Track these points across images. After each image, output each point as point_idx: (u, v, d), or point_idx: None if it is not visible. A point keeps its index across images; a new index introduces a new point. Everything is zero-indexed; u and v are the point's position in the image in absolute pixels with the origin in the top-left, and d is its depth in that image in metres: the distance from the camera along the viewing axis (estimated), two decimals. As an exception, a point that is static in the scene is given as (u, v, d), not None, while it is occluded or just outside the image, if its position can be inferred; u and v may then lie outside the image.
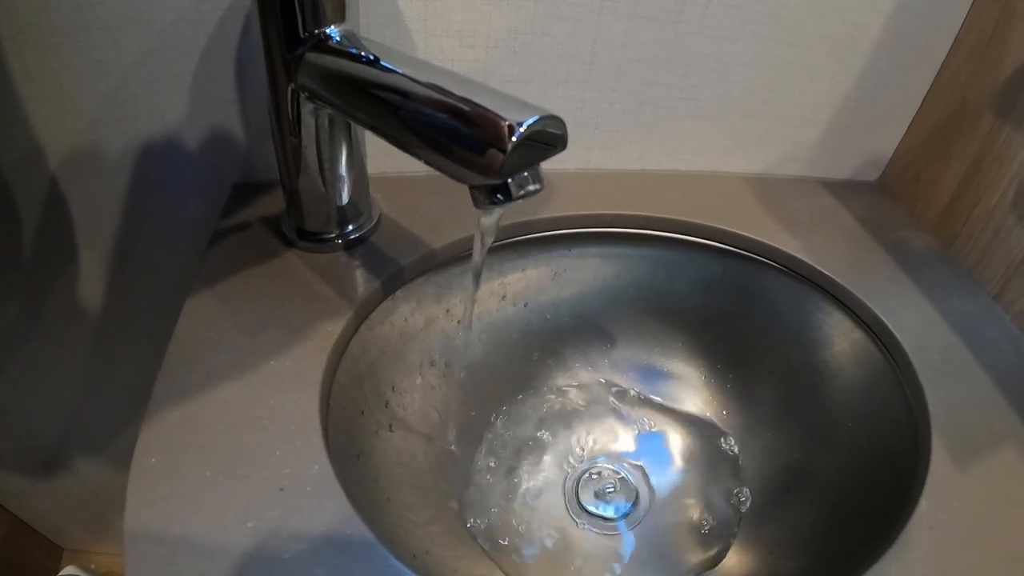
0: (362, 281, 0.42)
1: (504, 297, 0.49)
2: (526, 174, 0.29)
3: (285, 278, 0.42)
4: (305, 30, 0.35)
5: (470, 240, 0.45)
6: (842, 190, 0.54)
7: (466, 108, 0.28)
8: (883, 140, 0.54)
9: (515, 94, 0.29)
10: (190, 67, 0.43)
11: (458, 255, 0.45)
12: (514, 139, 0.27)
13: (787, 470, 0.46)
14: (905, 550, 0.32)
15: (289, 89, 0.37)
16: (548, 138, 0.28)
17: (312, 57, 0.35)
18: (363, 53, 0.34)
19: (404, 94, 0.30)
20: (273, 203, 0.47)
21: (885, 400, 0.43)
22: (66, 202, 0.49)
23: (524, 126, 0.27)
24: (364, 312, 0.41)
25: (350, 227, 0.44)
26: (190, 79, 0.44)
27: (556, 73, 0.46)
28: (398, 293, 0.43)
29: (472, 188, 0.29)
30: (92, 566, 0.84)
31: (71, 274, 0.54)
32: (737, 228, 0.48)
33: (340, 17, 0.36)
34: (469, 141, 0.27)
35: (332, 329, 0.38)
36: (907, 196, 0.55)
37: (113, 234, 0.52)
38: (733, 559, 0.43)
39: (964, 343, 0.44)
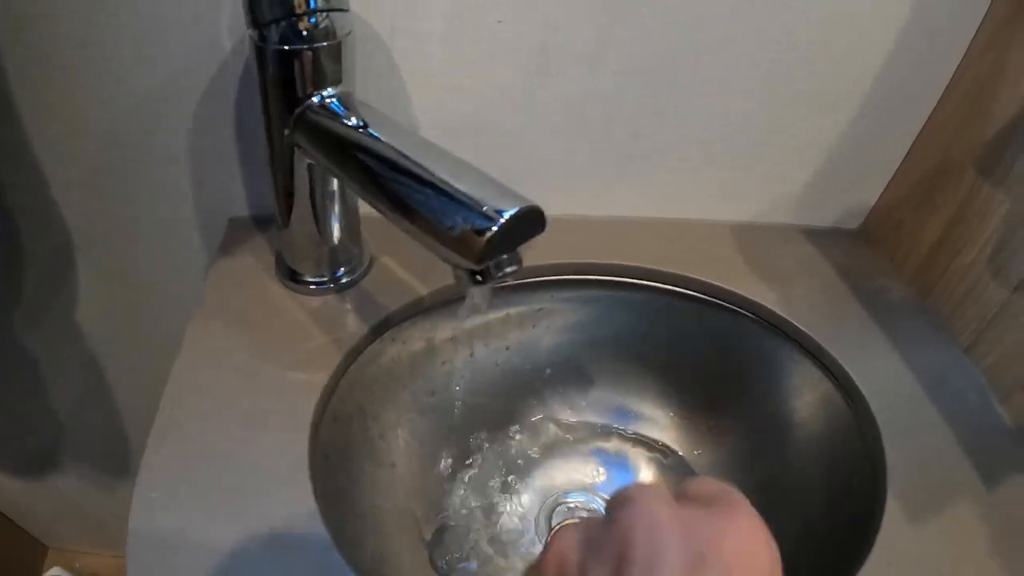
0: (352, 324, 0.45)
1: (487, 339, 0.52)
2: (505, 256, 0.33)
3: (279, 319, 0.45)
4: (303, 92, 0.38)
5: (456, 287, 0.48)
6: (824, 238, 0.58)
7: (451, 194, 0.31)
8: (866, 190, 0.57)
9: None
10: (192, 106, 0.46)
11: (444, 300, 0.49)
12: (494, 229, 0.30)
13: (760, 513, 0.50)
14: None
15: (285, 144, 0.40)
16: (527, 226, 0.32)
17: (308, 118, 0.38)
18: (357, 121, 0.37)
19: (394, 169, 0.34)
20: (270, 239, 0.51)
21: (848, 451, 0.47)
22: (67, 225, 0.53)
23: (505, 216, 0.30)
24: (353, 355, 0.44)
25: (342, 271, 0.47)
26: (192, 117, 0.47)
27: (548, 125, 0.49)
28: (386, 335, 0.47)
29: (454, 267, 0.33)
30: (77, 565, 0.89)
31: (71, 291, 0.58)
32: (715, 279, 0.52)
33: (337, 80, 0.39)
34: (451, 227, 0.31)
35: (323, 372, 0.42)
36: (888, 244, 0.58)
37: (114, 256, 0.55)
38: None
39: (930, 396, 0.48)
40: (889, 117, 0.53)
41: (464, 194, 0.31)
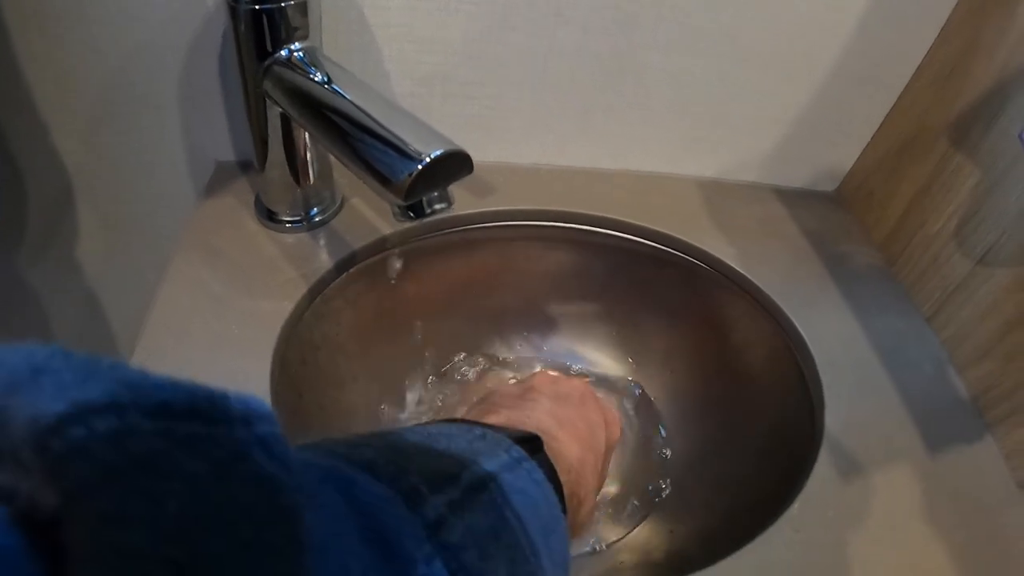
0: (320, 260, 0.54)
1: (453, 278, 0.61)
2: (436, 194, 0.41)
3: (255, 254, 0.55)
4: (272, 46, 0.47)
5: (419, 227, 0.57)
6: (796, 199, 0.64)
7: (385, 139, 0.40)
8: (841, 154, 0.64)
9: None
10: (180, 59, 0.56)
11: (407, 238, 0.57)
12: (419, 168, 0.38)
13: (701, 459, 0.58)
14: (767, 546, 0.41)
15: (257, 94, 0.49)
16: (452, 167, 0.40)
17: (276, 71, 0.47)
18: (317, 74, 0.46)
19: (343, 118, 0.42)
20: (251, 182, 0.60)
21: (793, 409, 0.54)
22: (67, 168, 0.63)
23: (429, 157, 0.38)
24: (319, 288, 0.54)
25: (315, 210, 0.57)
26: (179, 69, 0.56)
27: (511, 77, 0.57)
28: (353, 271, 0.56)
29: (391, 204, 0.41)
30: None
31: (72, 230, 0.68)
32: (676, 232, 0.59)
33: (304, 35, 0.48)
34: (382, 167, 0.39)
35: (288, 302, 0.51)
36: (860, 211, 0.64)
37: (111, 197, 0.66)
38: (636, 533, 0.55)
39: (882, 361, 0.54)
40: (865, 82, 0.59)
41: (396, 138, 0.40)
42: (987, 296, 0.54)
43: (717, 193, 0.63)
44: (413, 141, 0.39)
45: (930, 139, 0.59)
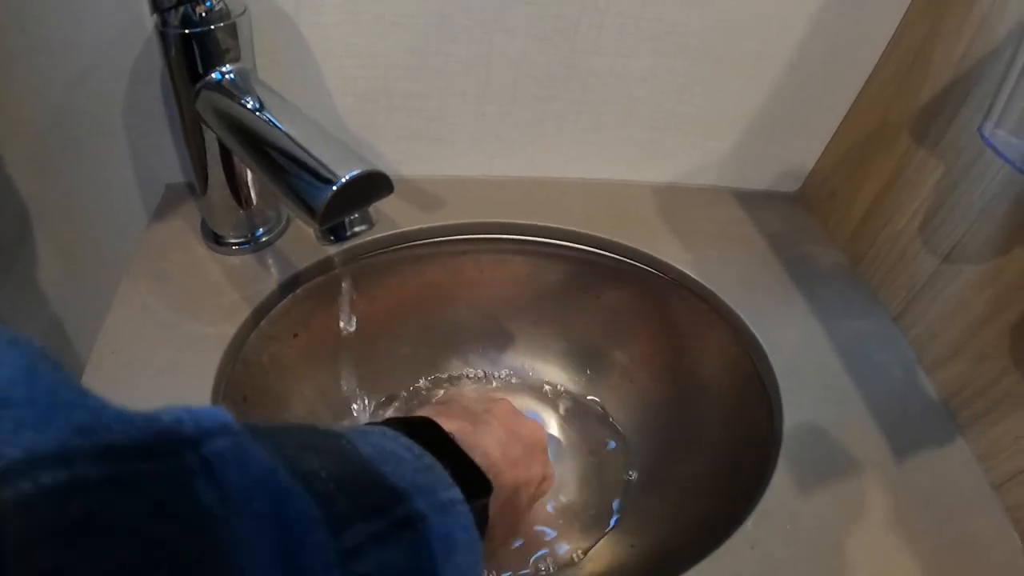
0: (266, 282, 0.55)
1: (404, 295, 0.62)
2: (357, 215, 0.42)
3: (201, 277, 0.55)
4: (203, 69, 0.48)
5: (364, 246, 0.58)
6: (757, 201, 0.64)
7: (301, 160, 0.40)
8: (802, 153, 0.63)
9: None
10: (122, 84, 0.57)
11: (353, 256, 0.58)
12: (332, 190, 0.39)
13: (660, 471, 0.58)
14: (720, 565, 0.41)
15: (192, 116, 0.50)
16: (371, 187, 0.41)
17: (206, 95, 0.48)
18: (246, 98, 0.46)
19: (264, 142, 0.43)
20: (200, 204, 0.61)
21: (752, 417, 0.53)
22: (23, 198, 0.65)
23: (340, 180, 0.39)
24: (264, 310, 0.54)
25: (260, 231, 0.57)
26: (123, 94, 0.57)
27: (453, 88, 0.58)
28: (298, 292, 0.56)
29: (311, 228, 0.42)
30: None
31: (31, 258, 0.70)
32: (631, 241, 0.59)
33: (235, 57, 0.49)
34: (299, 191, 0.40)
35: (231, 325, 0.52)
36: (823, 211, 0.64)
37: (68, 224, 0.67)
38: (598, 547, 0.56)
39: (846, 365, 0.53)
40: (823, 80, 0.59)
41: (314, 160, 0.40)
42: (955, 293, 0.54)
43: (674, 198, 0.64)
44: (329, 164, 0.40)
45: (893, 135, 0.59)
